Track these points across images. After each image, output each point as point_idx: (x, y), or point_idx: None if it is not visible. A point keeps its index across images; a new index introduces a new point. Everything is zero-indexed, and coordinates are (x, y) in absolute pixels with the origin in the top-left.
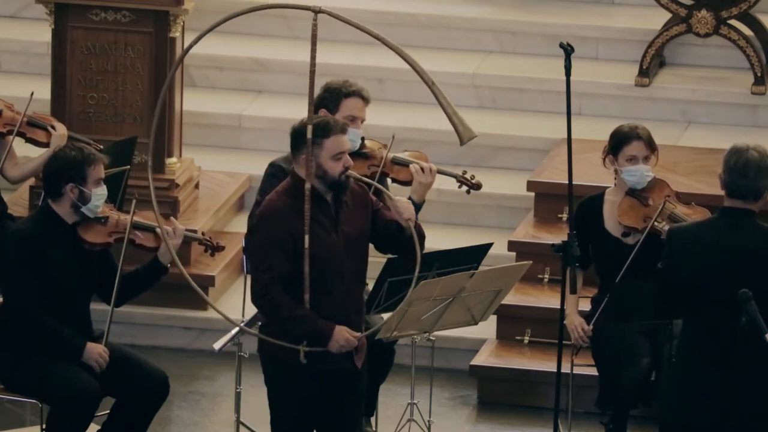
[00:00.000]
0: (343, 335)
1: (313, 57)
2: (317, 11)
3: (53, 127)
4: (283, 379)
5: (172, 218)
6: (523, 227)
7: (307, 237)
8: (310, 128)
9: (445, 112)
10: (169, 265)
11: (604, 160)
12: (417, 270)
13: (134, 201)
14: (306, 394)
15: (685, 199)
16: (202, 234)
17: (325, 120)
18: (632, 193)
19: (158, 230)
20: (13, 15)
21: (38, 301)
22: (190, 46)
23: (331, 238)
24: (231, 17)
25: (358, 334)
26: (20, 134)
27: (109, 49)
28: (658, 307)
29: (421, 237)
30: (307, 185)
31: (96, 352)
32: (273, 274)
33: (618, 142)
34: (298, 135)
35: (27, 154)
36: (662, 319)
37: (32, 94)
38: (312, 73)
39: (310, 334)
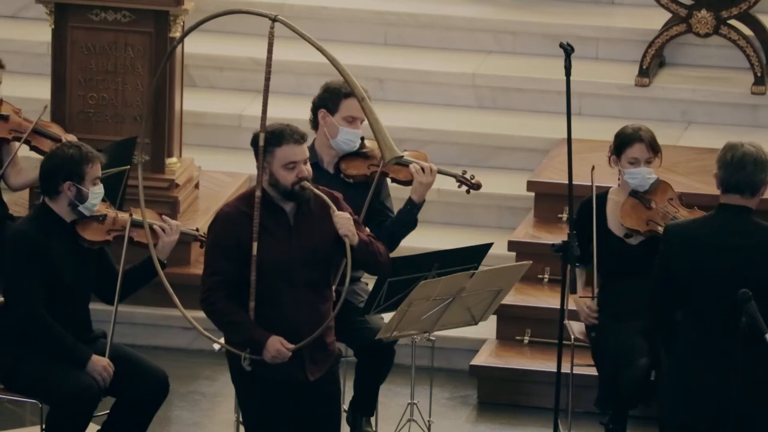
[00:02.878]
0: (275, 345)
1: (268, 65)
2: (273, 19)
3: (61, 140)
4: (243, 381)
5: (164, 216)
6: (523, 227)
7: (255, 244)
8: (262, 136)
9: (372, 129)
10: (166, 261)
11: (609, 159)
12: (346, 285)
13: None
14: (265, 399)
15: (686, 199)
16: (196, 230)
17: (281, 129)
18: (635, 194)
19: (155, 226)
20: (13, 15)
21: (42, 304)
22: (173, 49)
23: (283, 247)
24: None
25: (292, 346)
26: (25, 141)
27: (109, 49)
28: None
29: (369, 253)
30: (257, 193)
31: (100, 365)
32: (217, 278)
33: (620, 144)
34: (254, 141)
35: (27, 155)
36: (656, 323)
37: (46, 107)
38: (267, 80)
39: (246, 342)
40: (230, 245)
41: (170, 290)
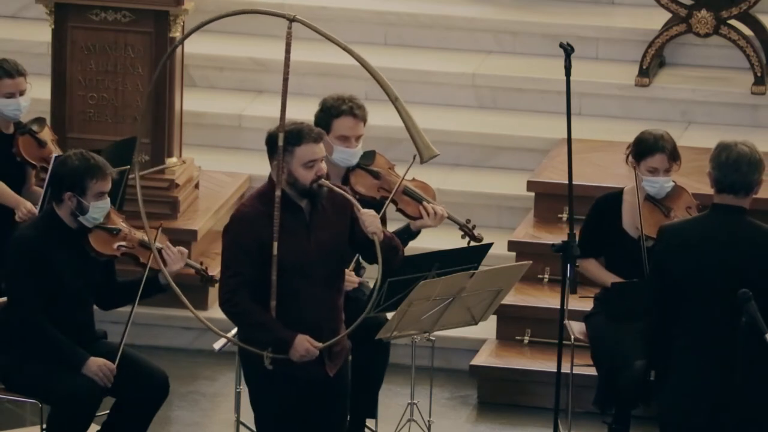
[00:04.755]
0: (304, 345)
1: (287, 65)
2: (291, 19)
3: None
4: (261, 380)
5: (170, 245)
6: (523, 227)
7: (275, 244)
8: (281, 135)
9: (407, 130)
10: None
11: (627, 158)
12: (377, 283)
13: (159, 229)
14: (284, 398)
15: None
16: (200, 263)
17: (299, 127)
18: (653, 199)
19: (163, 253)
20: (13, 15)
21: (42, 309)
22: (179, 42)
23: (302, 245)
24: (207, 22)
25: (320, 345)
26: (44, 168)
27: (109, 49)
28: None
29: (392, 249)
30: (277, 192)
31: (95, 365)
32: (239, 279)
33: (641, 152)
34: (271, 141)
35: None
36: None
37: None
38: (285, 80)
39: (272, 342)
40: (251, 245)
41: (179, 292)
